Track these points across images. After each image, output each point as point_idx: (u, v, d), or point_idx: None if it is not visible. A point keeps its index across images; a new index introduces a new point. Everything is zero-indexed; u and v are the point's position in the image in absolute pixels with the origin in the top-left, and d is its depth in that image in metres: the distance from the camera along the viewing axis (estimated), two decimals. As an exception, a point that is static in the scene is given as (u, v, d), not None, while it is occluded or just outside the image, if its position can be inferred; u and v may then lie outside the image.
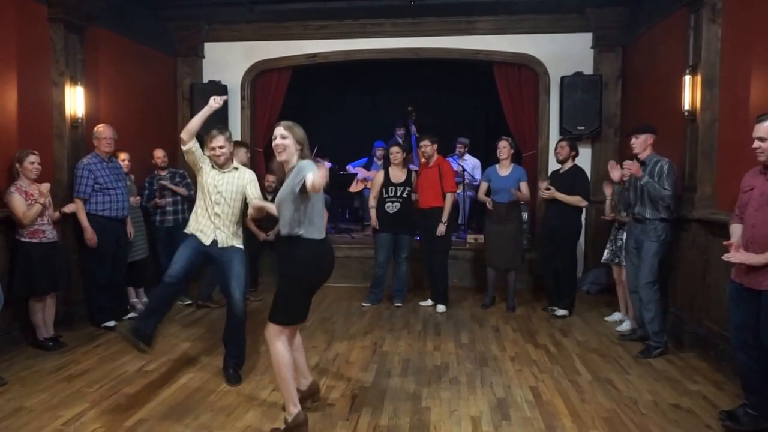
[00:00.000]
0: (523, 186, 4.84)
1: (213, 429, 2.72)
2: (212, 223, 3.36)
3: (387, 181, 5.07)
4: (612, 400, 3.09)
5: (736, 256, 2.61)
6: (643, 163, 3.89)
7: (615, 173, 4.06)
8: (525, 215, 5.61)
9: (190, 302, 5.15)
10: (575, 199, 4.65)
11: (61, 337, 3.95)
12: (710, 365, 3.59)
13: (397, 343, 4.11)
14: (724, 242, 2.76)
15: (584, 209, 4.86)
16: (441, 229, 4.90)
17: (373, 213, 5.13)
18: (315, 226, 2.61)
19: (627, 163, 3.88)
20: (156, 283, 5.23)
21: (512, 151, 4.95)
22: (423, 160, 5.17)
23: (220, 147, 3.36)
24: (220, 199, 3.36)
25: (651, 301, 3.82)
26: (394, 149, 5.17)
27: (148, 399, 3.06)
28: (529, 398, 3.11)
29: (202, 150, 3.40)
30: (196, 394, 3.13)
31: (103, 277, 4.32)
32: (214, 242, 3.35)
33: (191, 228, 3.41)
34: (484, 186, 5.03)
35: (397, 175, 5.10)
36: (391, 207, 5.03)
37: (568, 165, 4.78)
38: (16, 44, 3.95)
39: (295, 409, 2.61)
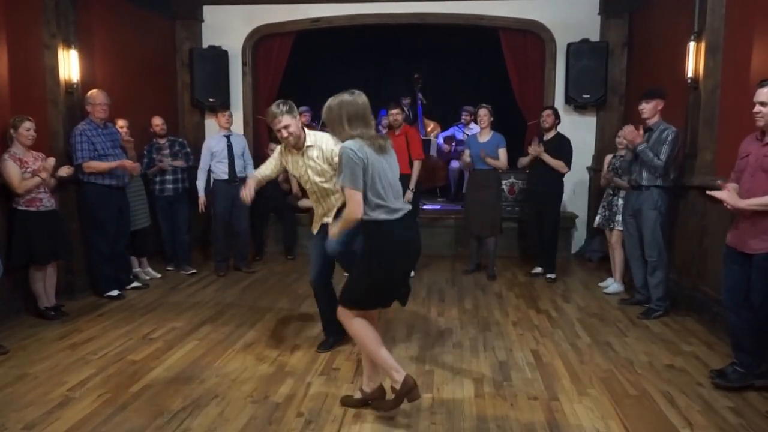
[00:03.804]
0: (502, 152, 4.81)
1: (219, 393, 2.75)
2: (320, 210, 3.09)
3: None
4: (609, 361, 3.15)
5: (723, 195, 2.69)
6: (650, 129, 3.86)
7: (629, 133, 3.89)
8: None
9: (194, 271, 5.15)
10: (559, 164, 4.72)
11: (63, 307, 3.95)
12: (705, 328, 3.66)
13: (402, 309, 4.12)
14: (708, 191, 2.86)
15: (588, 176, 4.81)
16: (408, 195, 4.77)
17: None
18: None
19: (626, 129, 3.82)
20: (158, 253, 5.28)
21: (492, 119, 4.91)
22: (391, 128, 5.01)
23: (286, 127, 2.81)
24: (314, 188, 2.99)
25: (658, 268, 3.88)
26: None
27: (153, 365, 3.08)
28: (530, 360, 3.17)
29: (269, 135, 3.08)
30: (201, 360, 3.16)
31: (105, 246, 4.30)
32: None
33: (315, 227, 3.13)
34: (466, 153, 5.02)
35: None
36: None
37: (552, 133, 4.83)
38: (4, 4, 3.80)
39: (399, 375, 2.37)
